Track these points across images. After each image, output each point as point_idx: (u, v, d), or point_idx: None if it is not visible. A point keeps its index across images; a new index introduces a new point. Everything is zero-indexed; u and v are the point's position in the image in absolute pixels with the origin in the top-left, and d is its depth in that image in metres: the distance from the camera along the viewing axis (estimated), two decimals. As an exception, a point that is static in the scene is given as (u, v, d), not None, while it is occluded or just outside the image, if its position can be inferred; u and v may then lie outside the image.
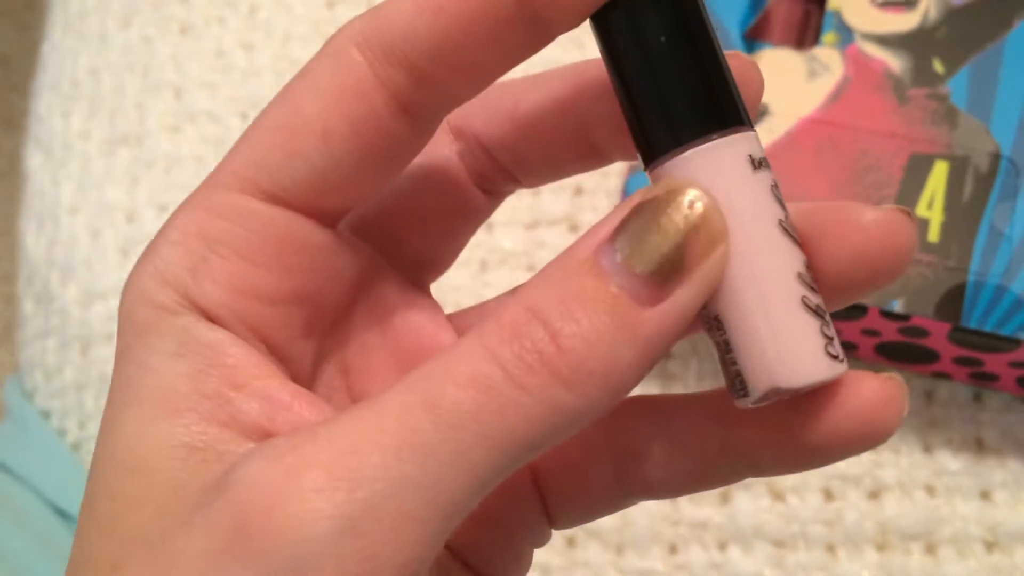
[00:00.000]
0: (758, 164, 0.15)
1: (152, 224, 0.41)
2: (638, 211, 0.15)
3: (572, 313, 0.15)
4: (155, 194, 0.42)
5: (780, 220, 0.15)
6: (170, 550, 0.15)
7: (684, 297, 0.15)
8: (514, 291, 0.18)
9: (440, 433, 0.15)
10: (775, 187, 0.16)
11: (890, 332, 0.31)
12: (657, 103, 0.16)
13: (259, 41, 0.43)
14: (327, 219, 0.18)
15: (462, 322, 0.21)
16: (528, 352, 0.15)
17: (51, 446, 0.40)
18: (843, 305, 0.17)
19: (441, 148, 0.20)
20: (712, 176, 0.15)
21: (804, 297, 0.15)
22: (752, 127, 0.16)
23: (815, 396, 0.16)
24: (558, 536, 0.34)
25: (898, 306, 0.30)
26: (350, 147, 0.17)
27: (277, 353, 0.18)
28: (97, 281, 0.41)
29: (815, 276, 0.16)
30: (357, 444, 0.15)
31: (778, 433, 0.17)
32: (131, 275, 0.18)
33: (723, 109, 0.15)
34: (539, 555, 0.33)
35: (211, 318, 0.17)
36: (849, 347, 0.33)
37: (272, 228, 0.18)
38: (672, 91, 0.16)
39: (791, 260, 0.15)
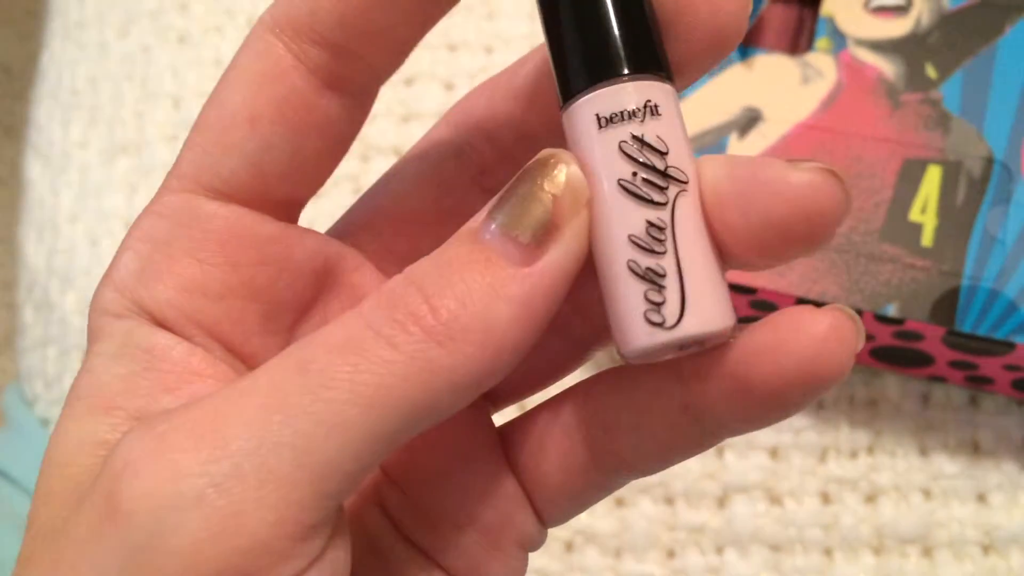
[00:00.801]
0: (606, 121, 0.15)
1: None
2: (514, 183, 0.16)
3: (447, 277, 0.15)
4: (154, 202, 0.42)
5: (621, 180, 0.15)
6: (65, 533, 0.16)
7: (556, 255, 0.15)
8: None
9: (310, 394, 0.15)
10: (630, 142, 0.15)
11: (885, 336, 0.31)
12: (557, 57, 0.16)
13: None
14: (279, 210, 0.18)
15: None
16: (402, 314, 0.15)
17: (51, 454, 0.41)
18: (771, 266, 0.17)
19: (291, 82, 0.18)
20: (571, 136, 0.16)
21: (631, 261, 0.15)
22: (632, 76, 0.16)
23: (756, 340, 0.16)
24: (556, 541, 0.34)
25: (892, 310, 0.30)
26: (280, 130, 0.18)
27: (235, 350, 0.18)
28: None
29: (725, 235, 0.15)
30: (227, 408, 0.15)
31: (731, 383, 0.16)
32: (97, 286, 0.18)
33: (591, 67, 0.16)
34: (536, 560, 0.33)
35: (158, 320, 0.18)
36: (844, 351, 0.33)
37: (216, 224, 0.18)
38: (564, 48, 0.16)
39: (625, 221, 0.15)
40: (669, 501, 0.34)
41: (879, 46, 0.34)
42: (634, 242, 0.15)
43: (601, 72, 0.16)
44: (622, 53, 0.16)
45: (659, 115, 0.15)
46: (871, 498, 0.33)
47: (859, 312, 0.30)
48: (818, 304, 0.30)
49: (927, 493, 0.33)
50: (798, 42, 0.35)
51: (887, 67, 0.34)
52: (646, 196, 0.15)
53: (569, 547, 0.34)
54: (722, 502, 0.33)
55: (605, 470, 0.19)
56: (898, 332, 0.31)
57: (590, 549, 0.34)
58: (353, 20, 0.17)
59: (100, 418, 0.17)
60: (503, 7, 0.42)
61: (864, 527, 0.32)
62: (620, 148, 0.15)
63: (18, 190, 0.47)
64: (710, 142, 0.33)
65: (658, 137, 0.15)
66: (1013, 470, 0.32)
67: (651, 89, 0.15)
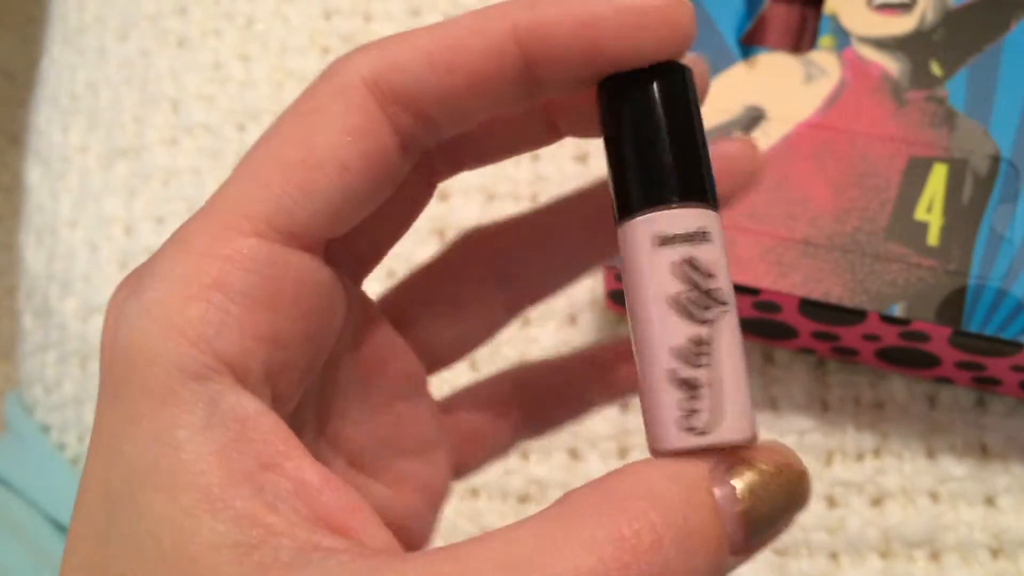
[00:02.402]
0: (663, 241, 0.17)
1: (150, 237, 0.41)
2: (771, 473, 0.16)
3: (690, 552, 0.15)
4: (153, 207, 0.42)
5: (670, 296, 0.16)
6: None
7: (758, 551, 0.16)
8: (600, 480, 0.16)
9: None
10: (683, 263, 0.16)
11: (891, 337, 0.31)
12: (618, 176, 0.17)
13: (256, 53, 0.43)
14: (326, 253, 0.18)
15: (452, 402, 0.23)
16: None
17: (50, 460, 0.40)
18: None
19: (381, 139, 0.18)
20: (626, 248, 0.17)
21: (671, 370, 0.16)
22: (687, 203, 0.17)
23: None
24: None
25: (898, 311, 0.30)
26: (364, 181, 0.17)
27: (278, 396, 0.18)
28: (95, 295, 0.41)
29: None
30: None
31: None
32: (130, 330, 0.16)
33: (653, 189, 0.17)
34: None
35: (240, 379, 0.17)
36: (850, 352, 0.33)
37: (292, 273, 0.17)
38: (626, 168, 0.17)
39: (671, 334, 0.16)
40: (673, 505, 0.33)
41: (883, 44, 0.34)
42: (676, 354, 0.16)
43: (661, 196, 0.17)
44: (681, 180, 0.17)
45: (709, 241, 0.17)
46: (877, 501, 0.32)
47: (864, 313, 0.30)
48: (820, 304, 0.30)
49: (934, 496, 0.32)
50: (801, 40, 0.35)
51: (891, 65, 0.33)
52: (692, 314, 0.16)
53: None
54: (727, 506, 0.33)
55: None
56: (904, 333, 0.30)
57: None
58: (453, 103, 0.17)
59: (217, 514, 0.15)
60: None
61: (871, 531, 0.32)
62: (672, 267, 0.16)
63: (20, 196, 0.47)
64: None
65: (707, 261, 0.17)
66: (1021, 472, 0.32)
67: (703, 216, 0.17)
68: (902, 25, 0.34)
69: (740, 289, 0.31)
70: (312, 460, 0.17)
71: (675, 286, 0.16)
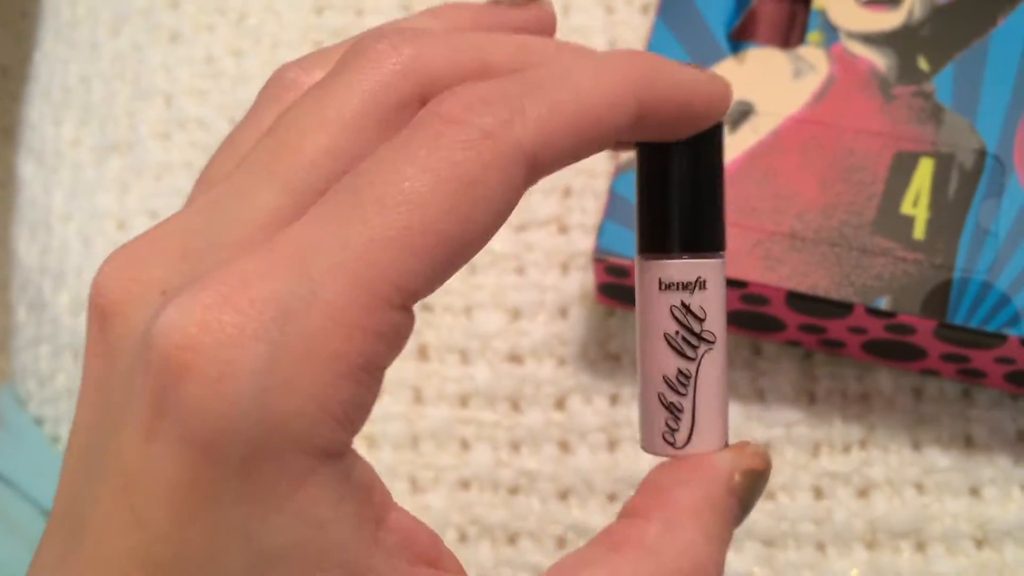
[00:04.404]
0: (666, 286, 0.20)
1: (143, 231, 0.41)
2: (756, 477, 0.20)
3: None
4: (146, 201, 0.42)
5: (666, 333, 0.20)
6: None
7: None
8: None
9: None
10: (679, 307, 0.20)
11: (877, 329, 0.31)
12: (643, 215, 0.20)
13: (248, 48, 0.44)
14: None
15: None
16: None
17: (45, 453, 0.40)
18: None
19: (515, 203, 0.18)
20: (639, 283, 0.20)
21: (661, 394, 0.20)
22: (690, 253, 0.20)
23: None
24: (549, 537, 0.34)
25: (884, 304, 0.30)
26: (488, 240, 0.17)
27: None
28: (88, 289, 0.41)
29: None
30: None
31: None
32: (273, 406, 0.15)
33: (665, 238, 0.20)
34: (532, 556, 0.33)
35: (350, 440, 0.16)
36: (837, 345, 0.33)
37: (404, 327, 0.16)
38: (649, 212, 0.20)
39: (663, 365, 0.20)
40: (662, 497, 0.33)
41: (871, 39, 0.34)
42: (666, 381, 0.20)
43: (672, 245, 0.20)
44: (689, 234, 0.20)
45: (705, 289, 0.20)
46: (864, 492, 0.33)
47: (851, 305, 0.30)
48: (807, 297, 0.30)
49: (920, 487, 0.32)
50: (790, 36, 0.35)
51: (879, 60, 0.33)
52: (681, 351, 0.20)
53: (561, 543, 0.34)
54: (715, 497, 0.33)
55: None
56: (890, 325, 0.31)
57: (583, 545, 0.34)
58: (570, 159, 0.18)
59: None
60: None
61: (857, 521, 0.32)
62: (671, 310, 0.20)
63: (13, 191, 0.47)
64: (701, 136, 0.33)
65: (700, 307, 0.20)
66: (1007, 464, 0.32)
67: (705, 267, 0.20)
68: (890, 20, 0.34)
69: (729, 282, 0.31)
70: (396, 504, 0.17)
71: (671, 325, 0.20)
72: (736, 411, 0.34)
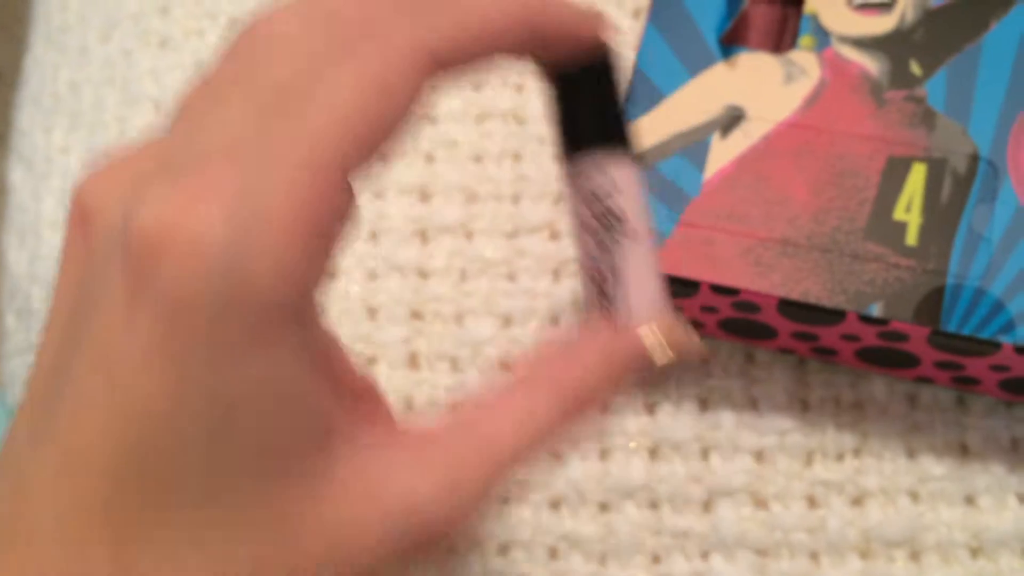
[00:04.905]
0: (582, 184, 0.22)
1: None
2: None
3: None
4: (135, 207, 0.42)
5: (586, 224, 0.23)
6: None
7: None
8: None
9: None
10: (594, 199, 0.22)
11: (869, 337, 0.31)
12: (555, 127, 0.23)
13: (238, 52, 0.43)
14: None
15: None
16: None
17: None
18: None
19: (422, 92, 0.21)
20: (565, 188, 0.23)
21: (589, 278, 0.23)
22: (601, 150, 0.22)
23: None
24: (540, 547, 0.33)
25: (876, 311, 0.30)
26: (404, 127, 0.20)
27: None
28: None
29: None
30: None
31: None
32: (239, 273, 0.17)
33: (572, 141, 0.23)
34: (520, 566, 0.33)
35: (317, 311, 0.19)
36: (830, 352, 0.33)
37: (345, 207, 0.19)
38: (562, 118, 0.23)
39: (588, 252, 0.23)
40: (654, 506, 0.33)
41: (863, 43, 0.33)
42: (591, 268, 0.22)
43: (581, 144, 0.22)
44: (597, 133, 0.22)
45: (613, 178, 0.22)
46: (858, 501, 0.32)
47: (843, 313, 0.30)
48: (799, 304, 0.30)
49: (914, 496, 0.32)
50: (781, 40, 0.35)
51: (871, 64, 0.33)
52: (603, 240, 0.22)
53: (554, 554, 0.33)
54: (707, 506, 0.33)
55: None
56: (882, 333, 0.30)
57: (575, 555, 0.33)
58: (479, 62, 0.20)
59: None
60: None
61: (851, 531, 0.32)
62: (588, 201, 0.22)
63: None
64: (692, 141, 0.33)
65: (608, 193, 0.22)
66: (1001, 472, 0.32)
67: (613, 161, 0.22)
68: (882, 25, 0.34)
69: (719, 290, 0.31)
70: (356, 371, 0.21)
71: (587, 215, 0.22)
72: (729, 419, 0.34)
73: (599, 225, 0.22)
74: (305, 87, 0.19)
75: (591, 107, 0.22)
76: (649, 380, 0.22)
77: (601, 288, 0.22)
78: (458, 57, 0.20)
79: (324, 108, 0.18)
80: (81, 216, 0.20)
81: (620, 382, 0.21)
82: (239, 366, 0.17)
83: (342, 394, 0.19)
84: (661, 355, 0.22)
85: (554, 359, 0.22)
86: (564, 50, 0.21)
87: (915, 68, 0.33)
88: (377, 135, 0.19)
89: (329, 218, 0.18)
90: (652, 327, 0.22)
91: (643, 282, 0.21)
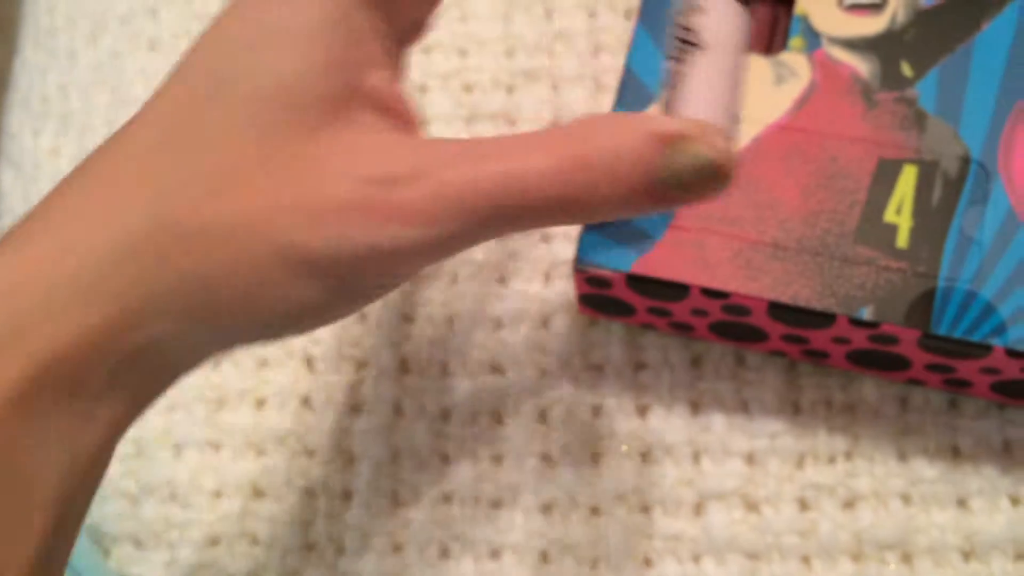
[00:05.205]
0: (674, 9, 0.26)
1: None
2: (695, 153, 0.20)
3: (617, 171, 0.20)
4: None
5: (672, 36, 0.27)
6: None
7: (668, 202, 0.22)
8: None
9: None
10: (679, 24, 0.26)
11: (860, 340, 0.31)
12: None
13: (228, 55, 0.43)
14: None
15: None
16: None
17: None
18: None
19: None
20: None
21: (664, 76, 0.25)
22: None
23: None
24: (531, 552, 0.33)
25: (867, 314, 0.30)
26: None
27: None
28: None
29: None
30: None
31: None
32: None
33: None
34: (512, 571, 0.33)
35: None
36: (821, 355, 0.33)
37: None
38: None
39: (668, 59, 0.26)
40: (645, 510, 0.33)
41: (854, 44, 0.33)
42: (668, 70, 0.26)
43: None
44: None
45: (703, 11, 0.25)
46: (849, 504, 0.32)
47: (833, 316, 0.30)
48: (789, 308, 0.30)
49: (906, 499, 0.32)
50: (772, 41, 0.35)
51: (862, 66, 0.33)
52: (678, 52, 0.26)
53: (545, 558, 0.33)
54: (699, 509, 0.33)
55: None
56: (873, 336, 0.30)
57: (567, 559, 0.33)
58: None
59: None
60: (477, 9, 0.41)
61: (842, 534, 0.32)
62: (674, 25, 0.26)
63: None
64: (682, 144, 0.32)
65: (697, 23, 0.25)
66: (993, 474, 0.32)
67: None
68: (873, 25, 0.33)
69: (709, 293, 0.31)
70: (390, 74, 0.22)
71: (672, 37, 0.26)
72: (720, 422, 0.34)
73: (678, 40, 0.23)
74: None
75: None
76: (660, 183, 0.19)
77: (665, 100, 0.23)
78: None
79: None
80: None
81: (642, 163, 0.19)
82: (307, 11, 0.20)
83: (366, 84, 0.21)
84: (690, 147, 0.19)
85: (578, 122, 0.20)
86: None
87: (906, 69, 0.33)
88: None
89: None
90: (689, 126, 0.20)
91: (702, 89, 0.22)
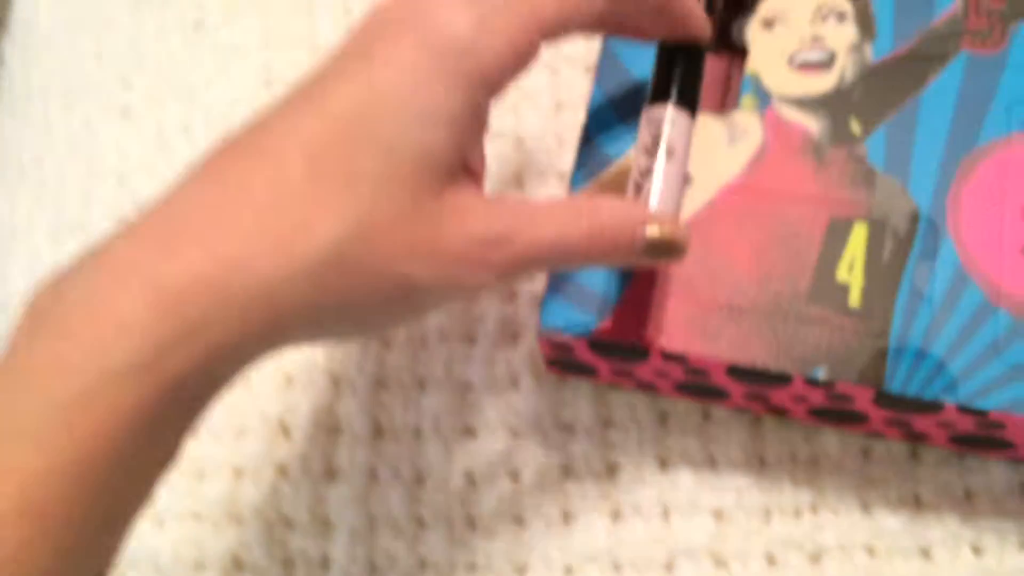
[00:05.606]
0: (648, 116, 0.31)
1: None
2: (668, 235, 0.28)
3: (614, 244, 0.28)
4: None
5: (644, 143, 0.30)
6: None
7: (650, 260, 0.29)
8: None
9: None
10: (653, 128, 0.30)
11: (818, 397, 0.31)
12: (656, 80, 0.31)
13: (199, 123, 0.44)
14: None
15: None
16: None
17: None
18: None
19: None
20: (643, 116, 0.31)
21: (635, 176, 0.30)
22: (663, 103, 0.31)
23: None
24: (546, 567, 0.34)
25: (822, 374, 0.30)
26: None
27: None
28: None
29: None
30: None
31: None
32: (478, 32, 0.25)
33: (656, 90, 0.31)
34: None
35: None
36: (782, 412, 0.33)
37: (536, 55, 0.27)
38: (654, 75, 0.31)
39: (639, 160, 0.30)
40: (617, 568, 0.34)
41: (803, 103, 0.34)
42: (638, 169, 0.30)
43: (656, 96, 0.31)
44: (669, 90, 0.31)
45: (673, 124, 0.30)
46: (816, 558, 0.33)
47: (790, 377, 0.31)
48: (746, 370, 0.30)
49: (871, 550, 0.32)
50: (725, 98, 0.36)
51: (812, 124, 0.34)
52: (649, 153, 0.30)
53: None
54: (669, 567, 0.33)
55: None
56: (830, 394, 0.31)
57: (542, 618, 0.34)
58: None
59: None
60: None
61: (810, 587, 0.32)
62: (648, 130, 0.30)
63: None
64: (638, 208, 0.33)
65: (666, 132, 0.30)
66: (955, 523, 0.32)
67: (669, 111, 0.30)
68: (822, 84, 0.34)
69: (669, 356, 0.31)
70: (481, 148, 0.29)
71: (647, 139, 0.30)
72: (687, 478, 0.34)
73: (651, 142, 0.30)
74: None
75: (680, 75, 0.30)
76: (639, 253, 0.28)
77: (638, 186, 0.29)
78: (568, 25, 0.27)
79: None
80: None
81: (626, 240, 0.27)
82: (451, 88, 0.25)
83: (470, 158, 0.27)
84: (656, 232, 0.27)
85: (586, 199, 0.28)
86: (680, 33, 0.30)
87: (855, 126, 0.33)
88: (574, 17, 0.27)
89: (531, 44, 0.26)
90: (660, 214, 0.28)
91: (666, 187, 0.29)
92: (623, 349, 0.32)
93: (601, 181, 0.34)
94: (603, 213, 0.27)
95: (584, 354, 0.33)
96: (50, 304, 0.23)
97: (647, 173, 0.29)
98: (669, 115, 0.30)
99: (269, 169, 0.24)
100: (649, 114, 0.30)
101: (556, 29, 0.27)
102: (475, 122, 0.26)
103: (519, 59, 0.26)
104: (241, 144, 0.25)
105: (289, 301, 0.23)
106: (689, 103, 0.30)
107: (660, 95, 0.30)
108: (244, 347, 0.23)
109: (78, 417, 0.21)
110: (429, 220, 0.25)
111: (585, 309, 0.32)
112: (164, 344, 0.22)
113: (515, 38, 0.26)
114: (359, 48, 0.26)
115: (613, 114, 0.35)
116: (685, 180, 0.30)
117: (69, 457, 0.21)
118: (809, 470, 0.34)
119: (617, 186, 0.33)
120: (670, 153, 0.29)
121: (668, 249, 0.28)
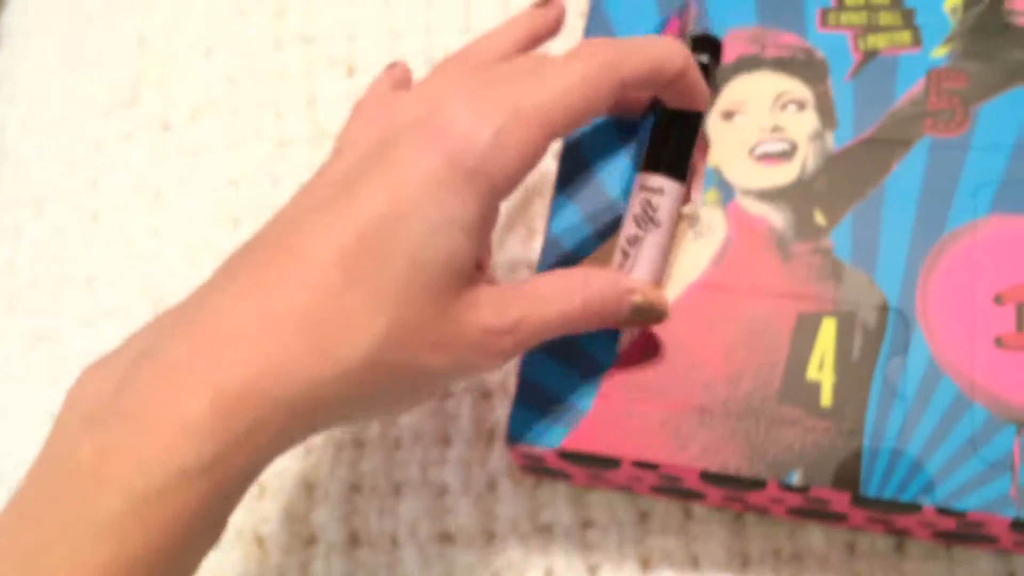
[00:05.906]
0: (641, 186, 0.33)
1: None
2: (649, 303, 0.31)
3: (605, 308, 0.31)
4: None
5: (635, 213, 0.32)
6: None
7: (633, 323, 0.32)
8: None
9: None
10: (645, 199, 0.32)
11: (795, 500, 0.31)
12: (648, 148, 0.33)
13: (165, 226, 0.44)
14: None
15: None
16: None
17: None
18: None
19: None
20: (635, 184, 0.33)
21: (622, 246, 0.32)
22: (658, 173, 0.33)
23: None
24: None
25: (796, 478, 0.30)
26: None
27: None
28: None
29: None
30: None
31: None
32: (492, 147, 0.27)
33: (650, 159, 0.33)
34: None
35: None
36: (762, 511, 0.33)
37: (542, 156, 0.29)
38: (651, 143, 0.33)
39: (628, 228, 0.33)
40: (601, 678, 0.33)
41: (766, 195, 0.34)
42: (626, 239, 0.32)
43: (650, 165, 0.33)
44: (657, 161, 0.33)
45: (663, 194, 0.32)
46: (803, 661, 0.32)
47: (764, 482, 0.30)
48: (720, 476, 0.30)
49: (858, 652, 0.32)
50: (688, 190, 0.35)
51: (775, 216, 0.33)
52: (639, 223, 0.32)
53: None
54: (654, 675, 0.33)
55: None
56: (806, 497, 0.30)
57: None
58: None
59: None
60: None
61: None
62: (641, 199, 0.32)
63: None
64: (605, 309, 0.33)
65: (656, 204, 0.32)
66: (943, 620, 0.32)
67: (664, 181, 0.32)
68: (784, 175, 0.34)
69: (640, 465, 0.31)
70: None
71: (637, 208, 0.32)
72: (669, 580, 0.33)
73: (641, 212, 0.32)
74: (536, 69, 0.29)
75: (675, 144, 0.33)
76: (626, 318, 0.31)
77: (626, 253, 0.32)
78: (638, 84, 0.30)
79: (560, 77, 0.28)
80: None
81: (614, 307, 0.30)
82: (467, 201, 0.27)
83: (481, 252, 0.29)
84: (640, 300, 0.31)
85: (578, 274, 0.30)
86: (685, 104, 0.32)
87: (819, 218, 0.33)
88: (581, 118, 0.29)
89: (537, 153, 0.28)
90: (644, 283, 0.31)
91: (652, 257, 0.32)
92: (594, 459, 0.31)
93: (590, 257, 0.35)
94: (594, 285, 0.30)
95: (556, 463, 0.32)
96: (108, 400, 0.25)
97: (635, 241, 0.31)
98: (660, 185, 0.32)
99: (305, 275, 0.26)
100: (642, 182, 0.32)
101: (565, 132, 0.29)
102: (488, 225, 0.28)
103: (530, 167, 0.28)
104: (274, 245, 0.27)
105: (328, 401, 0.26)
106: (681, 173, 0.32)
107: (653, 164, 0.32)
108: (285, 444, 0.26)
109: (152, 512, 0.24)
110: (449, 318, 0.27)
111: (555, 417, 0.32)
112: (224, 446, 0.24)
113: (527, 150, 0.28)
114: (381, 151, 0.28)
115: (578, 213, 0.34)
116: (669, 247, 0.33)
117: (146, 548, 0.24)
118: (793, 566, 0.33)
119: (606, 254, 0.33)
120: (658, 223, 0.32)
121: (651, 313, 0.31)
